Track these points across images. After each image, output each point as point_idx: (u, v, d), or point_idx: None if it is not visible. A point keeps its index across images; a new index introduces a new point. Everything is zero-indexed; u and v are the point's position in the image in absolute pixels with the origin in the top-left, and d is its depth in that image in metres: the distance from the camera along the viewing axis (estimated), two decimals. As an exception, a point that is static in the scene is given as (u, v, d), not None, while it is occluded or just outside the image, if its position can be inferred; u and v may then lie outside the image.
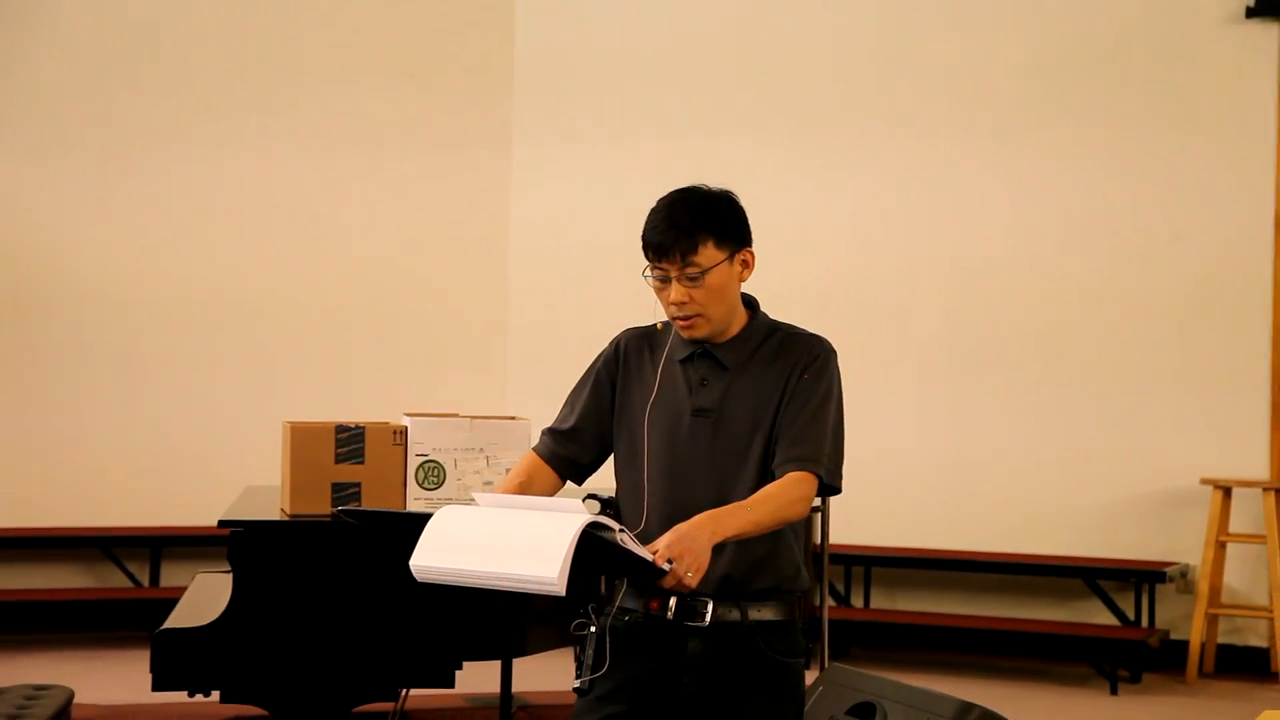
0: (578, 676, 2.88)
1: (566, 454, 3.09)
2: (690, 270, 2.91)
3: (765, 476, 2.94)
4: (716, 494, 2.89)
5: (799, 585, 3.00)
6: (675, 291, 2.92)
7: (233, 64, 8.26)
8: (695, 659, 2.92)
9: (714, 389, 2.97)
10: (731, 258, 2.95)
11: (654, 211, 2.97)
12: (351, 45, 8.40)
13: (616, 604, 2.86)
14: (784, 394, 2.96)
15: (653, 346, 3.07)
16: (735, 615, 2.92)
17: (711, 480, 2.93)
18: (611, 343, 3.13)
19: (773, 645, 2.96)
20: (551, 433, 3.11)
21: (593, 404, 3.08)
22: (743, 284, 3.03)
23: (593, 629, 2.83)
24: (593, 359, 3.14)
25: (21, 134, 8.00)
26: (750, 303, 3.07)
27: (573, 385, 3.16)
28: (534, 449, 3.12)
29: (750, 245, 3.01)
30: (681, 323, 2.96)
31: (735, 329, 3.01)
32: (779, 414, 2.96)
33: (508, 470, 3.46)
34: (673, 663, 2.92)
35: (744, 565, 2.91)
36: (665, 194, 3.00)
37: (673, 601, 2.88)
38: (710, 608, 2.88)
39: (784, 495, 2.87)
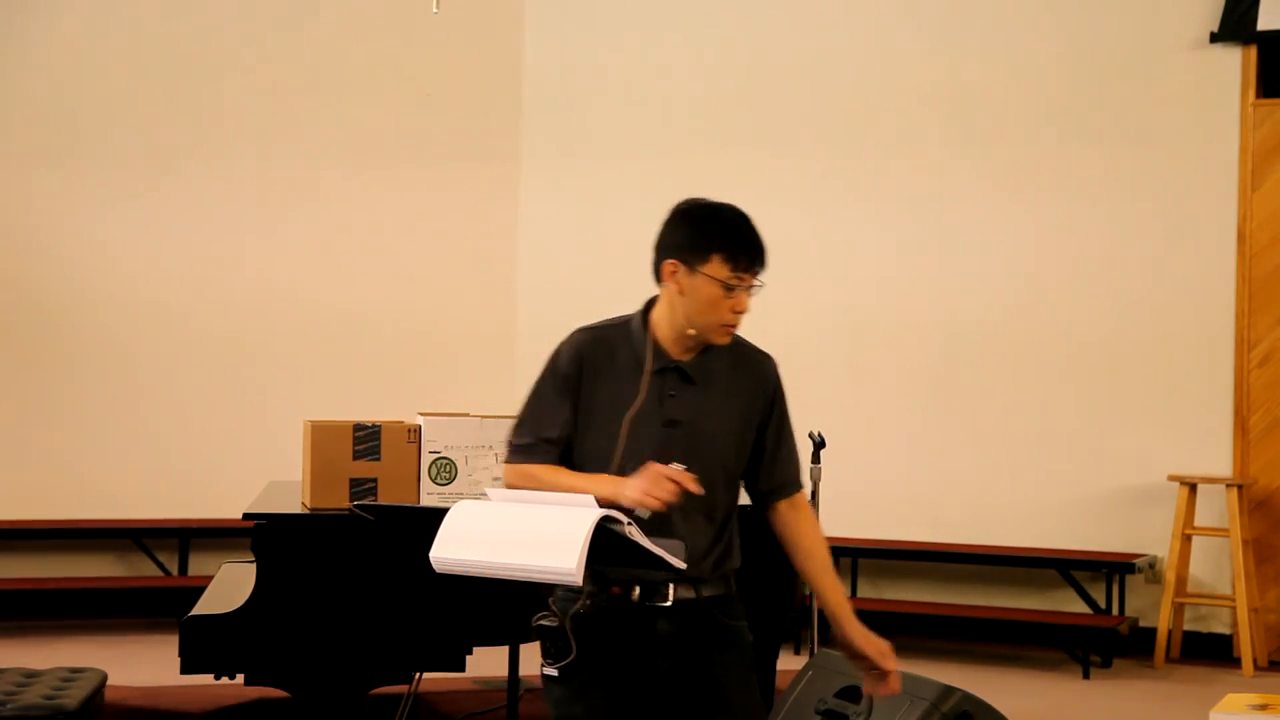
0: (549, 664, 2.87)
1: (561, 456, 3.00)
2: (757, 284, 2.92)
3: (732, 487, 3.00)
4: (685, 502, 2.85)
5: (736, 563, 3.03)
6: (745, 301, 2.90)
7: (257, 81, 8.25)
8: (667, 639, 2.92)
9: (682, 402, 2.94)
10: None
11: (738, 221, 2.91)
12: (371, 65, 8.40)
13: (585, 591, 2.85)
14: (755, 416, 2.99)
15: (614, 348, 2.98)
16: (691, 594, 2.93)
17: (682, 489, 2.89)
18: (571, 346, 2.99)
19: (726, 614, 2.98)
20: (547, 441, 2.97)
21: (569, 411, 2.96)
22: None
23: (554, 619, 2.85)
24: (551, 361, 3.00)
25: (55, 147, 7.99)
26: None
27: (538, 390, 3.01)
28: (545, 459, 2.97)
29: None
30: (729, 330, 2.93)
31: (701, 344, 2.97)
32: (758, 435, 3.00)
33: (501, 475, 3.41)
34: (646, 645, 2.92)
35: (710, 559, 2.95)
36: (721, 207, 2.93)
37: (636, 586, 2.89)
38: (671, 589, 2.90)
39: (820, 529, 3.07)
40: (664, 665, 2.92)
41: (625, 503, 2.76)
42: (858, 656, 2.99)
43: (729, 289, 2.88)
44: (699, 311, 2.90)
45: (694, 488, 2.80)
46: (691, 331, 2.92)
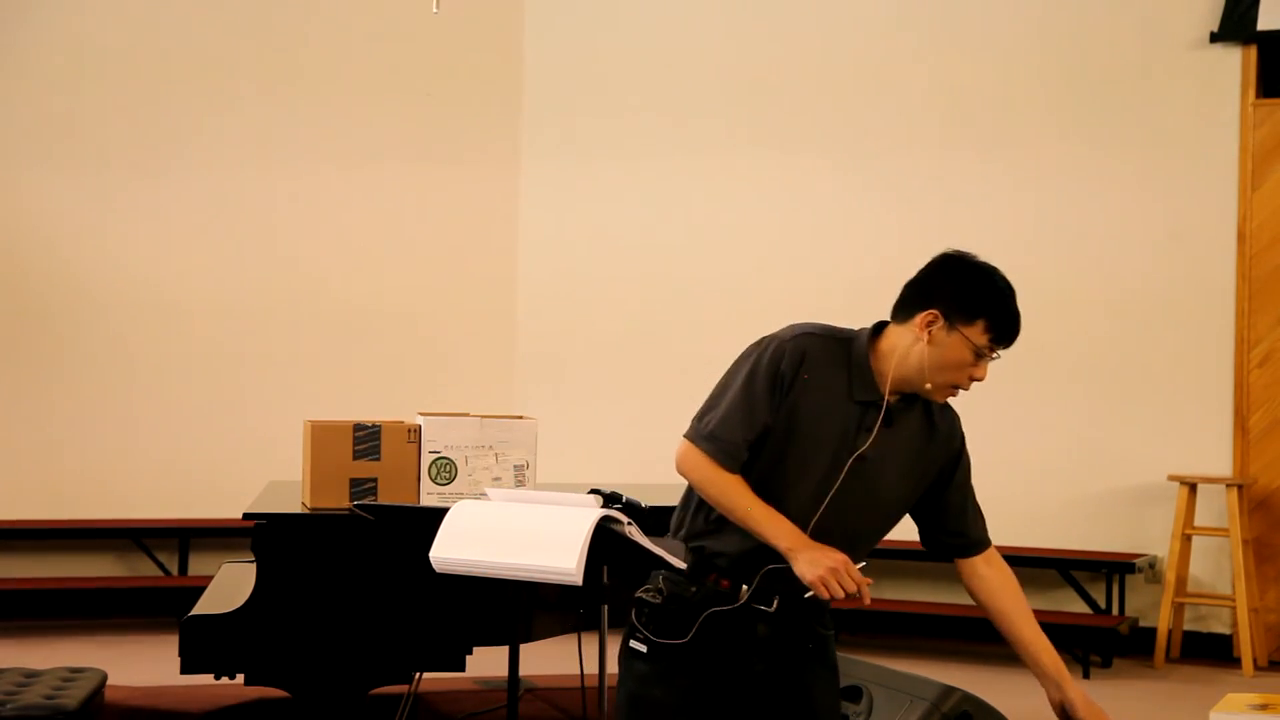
0: (639, 639, 2.84)
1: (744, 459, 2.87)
2: (996, 356, 2.86)
3: (887, 531, 3.00)
4: (847, 542, 2.82)
5: None
6: (985, 371, 2.85)
7: (256, 80, 8.24)
8: (765, 642, 2.89)
9: (875, 439, 2.84)
10: None
11: (1009, 293, 2.85)
12: (371, 65, 8.40)
13: (687, 576, 2.84)
14: (936, 469, 2.96)
15: (832, 363, 2.84)
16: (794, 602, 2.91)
17: (844, 526, 2.86)
18: (797, 348, 2.83)
19: (820, 621, 2.96)
20: (746, 443, 2.82)
21: (774, 412, 2.82)
22: None
23: (657, 596, 2.83)
24: (758, 353, 2.84)
25: (57, 145, 7.99)
26: None
27: (750, 381, 2.83)
28: (736, 465, 2.81)
29: None
30: (955, 393, 2.89)
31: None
32: (938, 489, 2.99)
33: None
34: (744, 645, 2.88)
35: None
36: (995, 273, 2.85)
37: (744, 585, 2.84)
38: (777, 595, 2.86)
39: (1019, 587, 3.10)
40: (759, 668, 2.89)
41: (796, 572, 2.74)
42: None
43: (978, 357, 2.82)
44: (940, 369, 2.81)
45: (867, 599, 2.77)
46: (928, 386, 2.83)
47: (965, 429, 3.08)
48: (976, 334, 2.80)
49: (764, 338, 2.87)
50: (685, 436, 2.86)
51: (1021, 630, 3.05)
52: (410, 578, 4.08)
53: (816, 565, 2.71)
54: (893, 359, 2.84)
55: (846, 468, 2.81)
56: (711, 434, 2.81)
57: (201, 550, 7.94)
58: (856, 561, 2.77)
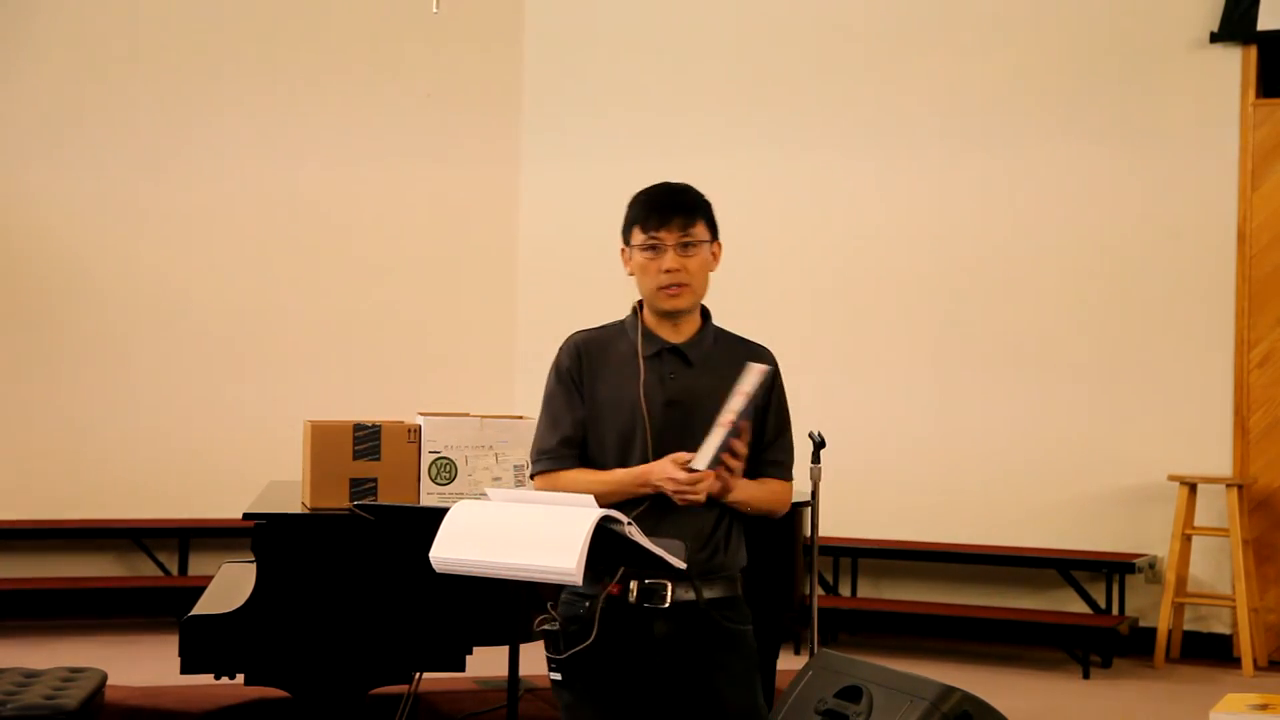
0: (553, 669, 2.94)
1: (579, 456, 3.10)
2: (687, 239, 3.04)
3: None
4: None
5: (740, 563, 3.08)
6: (670, 259, 3.03)
7: (257, 79, 8.25)
8: (663, 640, 2.94)
9: (681, 382, 3.03)
10: (711, 243, 3.12)
11: (649, 191, 3.11)
12: (371, 65, 8.41)
13: (580, 593, 2.94)
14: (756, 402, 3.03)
15: (610, 343, 3.12)
16: (691, 595, 2.96)
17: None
18: (569, 346, 3.17)
19: (726, 617, 3.01)
20: (566, 443, 3.09)
21: (580, 407, 3.09)
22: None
23: (554, 623, 2.94)
24: (548, 379, 3.17)
25: (58, 144, 7.99)
26: (703, 312, 3.17)
27: (548, 398, 3.16)
28: (569, 462, 3.08)
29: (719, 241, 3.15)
30: (670, 291, 3.04)
31: (694, 329, 3.10)
32: (763, 413, 3.08)
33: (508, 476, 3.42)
34: (642, 646, 2.94)
35: (703, 551, 2.98)
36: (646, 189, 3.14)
37: (633, 586, 2.91)
38: (670, 590, 2.92)
39: (777, 498, 3.10)
40: (662, 665, 2.94)
41: (668, 493, 2.90)
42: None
43: (652, 251, 3.04)
44: (641, 282, 3.10)
45: (734, 463, 2.92)
46: (644, 301, 3.10)
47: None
48: (636, 237, 3.09)
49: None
50: (530, 476, 3.13)
51: None
52: (410, 578, 4.08)
53: (666, 489, 2.91)
54: (647, 309, 3.13)
55: (649, 414, 2.98)
56: (538, 454, 3.09)
57: (201, 550, 7.94)
58: (712, 506, 2.98)
